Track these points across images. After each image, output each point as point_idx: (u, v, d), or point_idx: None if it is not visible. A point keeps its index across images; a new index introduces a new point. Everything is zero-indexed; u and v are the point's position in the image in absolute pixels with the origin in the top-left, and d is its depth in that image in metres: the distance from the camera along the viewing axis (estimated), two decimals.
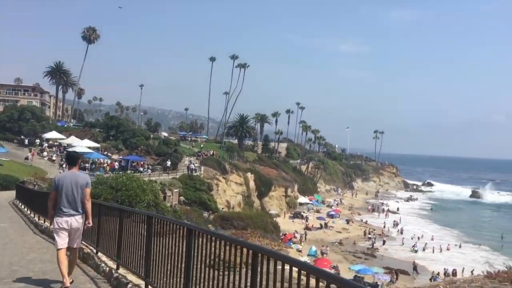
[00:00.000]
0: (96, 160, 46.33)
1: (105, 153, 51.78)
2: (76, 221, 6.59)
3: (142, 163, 49.70)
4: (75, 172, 6.77)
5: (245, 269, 3.77)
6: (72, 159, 7.01)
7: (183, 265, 4.74)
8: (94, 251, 8.36)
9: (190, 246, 4.55)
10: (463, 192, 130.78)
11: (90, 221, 6.81)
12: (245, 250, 3.59)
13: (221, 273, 4.32)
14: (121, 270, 6.79)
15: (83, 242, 8.98)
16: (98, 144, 52.76)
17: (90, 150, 47.06)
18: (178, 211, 30.28)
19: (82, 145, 47.27)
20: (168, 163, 51.01)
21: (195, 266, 4.50)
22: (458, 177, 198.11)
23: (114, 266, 7.07)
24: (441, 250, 52.52)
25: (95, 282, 6.97)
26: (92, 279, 7.15)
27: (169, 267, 5.11)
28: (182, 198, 42.18)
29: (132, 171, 40.01)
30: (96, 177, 19.50)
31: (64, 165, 39.62)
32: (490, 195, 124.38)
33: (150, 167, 49.76)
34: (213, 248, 4.24)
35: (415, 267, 43.13)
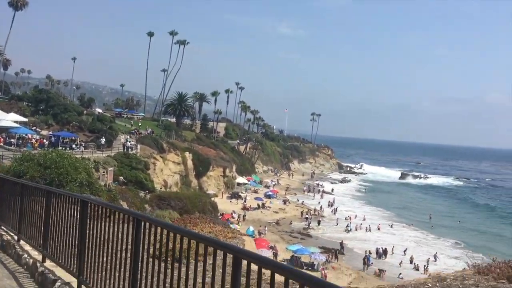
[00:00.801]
0: (24, 135, 43.32)
1: (34, 128, 48.64)
2: None
3: (74, 139, 47.15)
4: None
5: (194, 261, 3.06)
6: None
7: (128, 260, 3.91)
8: (16, 238, 7.15)
9: (138, 239, 3.72)
10: (393, 174, 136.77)
11: None
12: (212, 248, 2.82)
13: (171, 265, 3.64)
14: (48, 263, 5.73)
15: (2, 227, 7.83)
16: (26, 119, 49.43)
17: (17, 125, 43.98)
18: (113, 190, 28.94)
19: (7, 119, 44.06)
20: (103, 140, 48.71)
21: (141, 261, 3.71)
22: (388, 160, 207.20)
23: (40, 258, 5.99)
24: (370, 230, 54.33)
25: (15, 278, 5.83)
26: (12, 273, 6.00)
27: (109, 261, 4.25)
28: (121, 178, 40.39)
29: (63, 148, 37.82)
30: (22, 154, 17.92)
31: None
32: (417, 178, 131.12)
33: (83, 144, 47.30)
34: (161, 238, 3.46)
35: (342, 247, 44.14)
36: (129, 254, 3.89)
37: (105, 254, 4.34)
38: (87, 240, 4.73)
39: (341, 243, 45.07)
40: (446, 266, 42.27)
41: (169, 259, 3.94)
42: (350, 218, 58.93)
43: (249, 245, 10.44)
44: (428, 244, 49.98)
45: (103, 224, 4.46)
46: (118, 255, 4.13)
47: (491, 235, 57.73)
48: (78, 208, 5.03)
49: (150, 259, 3.66)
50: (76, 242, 4.97)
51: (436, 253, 44.48)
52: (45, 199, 6.11)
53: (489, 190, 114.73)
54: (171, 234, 3.31)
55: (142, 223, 3.73)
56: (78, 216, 4.98)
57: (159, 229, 3.45)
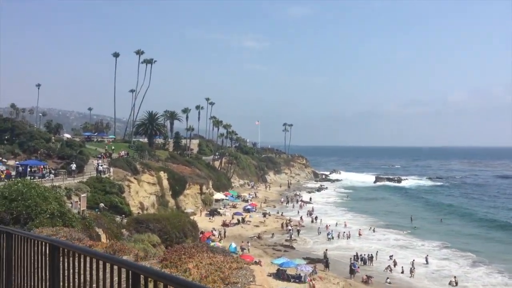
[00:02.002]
0: None
1: None
2: None
3: (42, 167, 45.31)
4: None
5: None
6: None
7: None
8: None
9: None
10: (368, 179, 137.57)
11: None
12: None
13: None
14: None
15: None
16: None
17: None
18: (87, 218, 27.58)
19: None
20: (73, 166, 47.02)
21: None
22: (361, 164, 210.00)
23: None
24: (350, 237, 53.77)
25: None
26: None
27: None
28: (102, 204, 38.85)
29: (32, 177, 36.16)
30: None
31: None
32: (391, 180, 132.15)
33: (53, 171, 45.52)
34: None
35: (325, 256, 43.44)
36: None
37: None
38: None
39: (324, 252, 44.41)
40: (437, 268, 42.16)
41: None
42: (327, 226, 57.93)
43: (259, 276, 9.53)
44: (413, 247, 49.82)
45: (81, 266, 3.64)
46: None
47: (469, 234, 58.05)
48: (48, 253, 4.10)
49: None
50: None
51: (427, 255, 44.15)
52: (4, 243, 5.13)
53: (461, 188, 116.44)
54: None
55: (141, 278, 2.83)
56: (48, 261, 4.08)
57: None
